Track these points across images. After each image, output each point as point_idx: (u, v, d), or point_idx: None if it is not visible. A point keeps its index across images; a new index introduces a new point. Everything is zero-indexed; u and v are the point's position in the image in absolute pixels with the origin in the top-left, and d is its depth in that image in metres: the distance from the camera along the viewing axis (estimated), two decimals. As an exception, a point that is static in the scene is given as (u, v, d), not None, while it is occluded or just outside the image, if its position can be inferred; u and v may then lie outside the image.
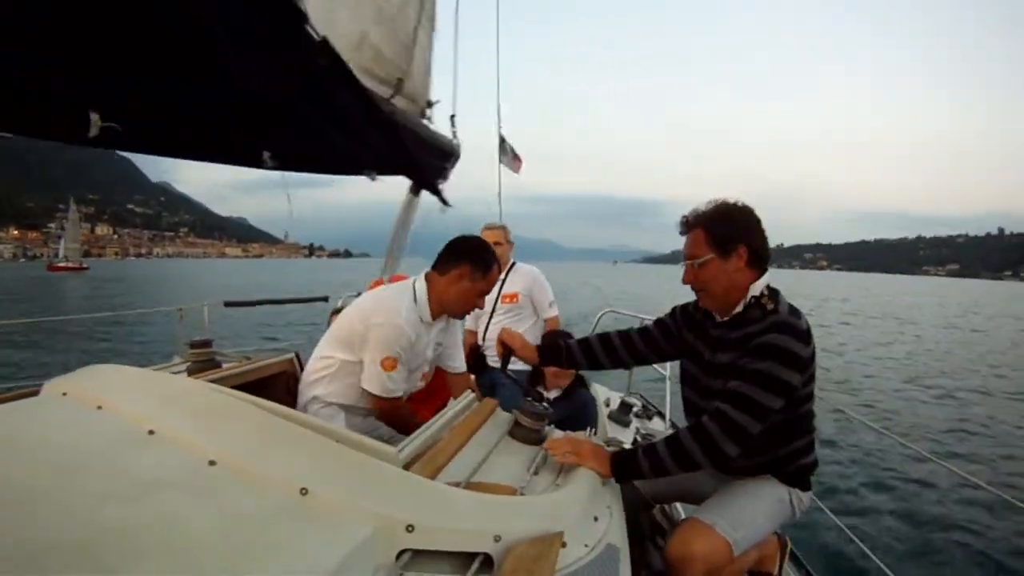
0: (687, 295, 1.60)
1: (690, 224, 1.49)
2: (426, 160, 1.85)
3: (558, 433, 1.61)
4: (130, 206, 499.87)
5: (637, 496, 1.74)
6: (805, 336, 1.37)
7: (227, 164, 2.02)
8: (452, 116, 1.87)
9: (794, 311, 1.42)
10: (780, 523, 1.52)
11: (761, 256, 1.45)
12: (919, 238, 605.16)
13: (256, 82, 1.25)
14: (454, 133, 1.86)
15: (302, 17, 1.12)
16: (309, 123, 1.43)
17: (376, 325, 1.71)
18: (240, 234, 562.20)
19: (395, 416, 1.82)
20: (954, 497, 4.95)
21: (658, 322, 1.72)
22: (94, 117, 1.25)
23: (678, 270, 1.56)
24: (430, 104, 1.70)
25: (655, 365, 3.61)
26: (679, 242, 1.54)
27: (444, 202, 2.03)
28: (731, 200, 1.47)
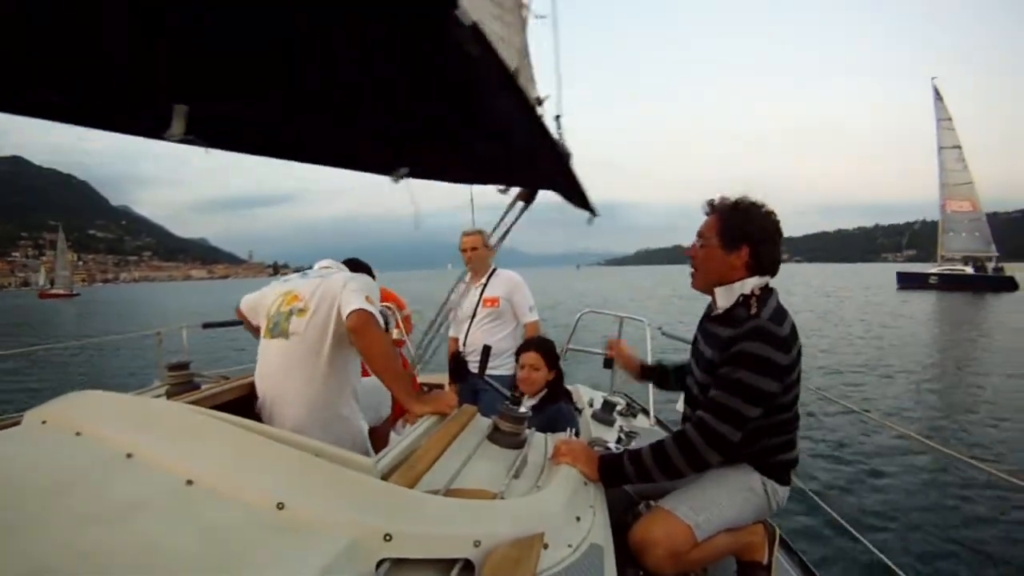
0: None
1: (712, 207, 1.55)
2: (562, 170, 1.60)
3: (539, 436, 1.62)
4: (92, 231, 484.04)
5: (622, 494, 1.76)
6: (784, 342, 1.39)
7: (359, 171, 1.98)
8: (558, 117, 1.67)
9: (778, 315, 1.43)
10: (754, 512, 1.53)
11: (763, 263, 1.48)
12: (876, 227, 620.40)
13: (394, 83, 1.08)
14: (560, 135, 1.72)
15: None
16: (447, 130, 1.32)
17: (352, 278, 1.87)
18: (202, 255, 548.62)
19: (375, 329, 1.68)
20: (943, 478, 5.02)
21: None
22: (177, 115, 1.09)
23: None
24: (540, 101, 1.39)
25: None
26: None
27: (593, 212, 1.83)
28: (759, 202, 1.50)
